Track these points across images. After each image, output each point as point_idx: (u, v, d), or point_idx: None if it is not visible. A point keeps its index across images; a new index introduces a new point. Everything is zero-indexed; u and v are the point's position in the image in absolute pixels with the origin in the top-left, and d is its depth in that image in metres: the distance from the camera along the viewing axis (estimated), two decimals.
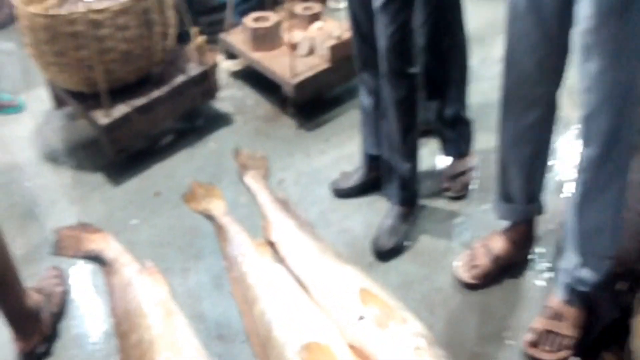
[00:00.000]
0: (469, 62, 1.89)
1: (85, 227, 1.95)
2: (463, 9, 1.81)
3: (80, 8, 2.00)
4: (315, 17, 2.65)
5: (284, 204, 1.96)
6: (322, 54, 2.44)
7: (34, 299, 1.56)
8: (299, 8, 2.68)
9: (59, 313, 1.64)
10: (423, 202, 1.88)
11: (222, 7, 2.76)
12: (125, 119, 2.16)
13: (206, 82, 2.41)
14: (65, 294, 1.69)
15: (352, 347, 1.34)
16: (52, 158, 2.36)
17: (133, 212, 2.04)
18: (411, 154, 1.75)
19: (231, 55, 2.79)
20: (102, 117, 2.12)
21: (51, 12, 2.06)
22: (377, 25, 1.56)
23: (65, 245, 1.88)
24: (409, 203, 1.80)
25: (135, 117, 2.18)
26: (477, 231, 1.75)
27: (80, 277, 1.79)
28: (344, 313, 1.43)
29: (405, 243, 1.75)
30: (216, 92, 2.48)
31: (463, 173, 1.92)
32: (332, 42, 2.40)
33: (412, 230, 1.78)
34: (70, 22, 2.00)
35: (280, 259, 1.71)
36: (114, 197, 2.13)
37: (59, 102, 2.53)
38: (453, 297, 1.57)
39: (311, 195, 2.04)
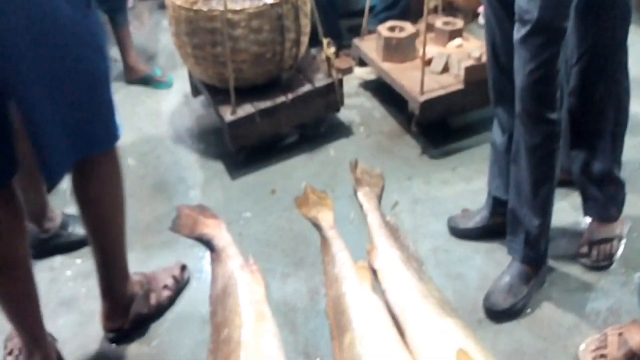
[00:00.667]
0: (630, 111, 1.62)
1: (203, 210, 1.99)
2: (627, 48, 1.55)
3: (221, 7, 2.08)
4: (456, 34, 2.51)
5: (394, 231, 1.85)
6: (456, 73, 2.30)
7: (133, 289, 1.57)
8: (439, 22, 2.56)
9: (150, 315, 1.61)
10: (552, 264, 1.67)
11: (363, 12, 2.70)
12: (248, 119, 2.21)
13: (331, 95, 2.37)
14: (169, 302, 1.66)
15: None
16: (185, 138, 2.49)
17: (248, 205, 2.07)
18: (543, 210, 1.54)
19: (362, 62, 2.72)
20: (228, 114, 2.19)
21: (194, 7, 2.16)
22: (516, 59, 1.38)
23: (183, 224, 1.93)
24: (535, 263, 1.60)
25: (258, 118, 2.22)
26: (614, 313, 1.51)
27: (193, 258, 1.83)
28: None
29: (524, 308, 1.55)
30: (340, 106, 2.43)
31: (607, 241, 1.67)
32: (470, 62, 2.25)
33: (534, 295, 1.58)
34: (209, 18, 2.10)
35: (380, 289, 1.61)
36: (232, 187, 2.19)
37: (195, 90, 2.64)
38: None
39: (425, 227, 1.91)
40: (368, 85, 2.73)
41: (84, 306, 1.68)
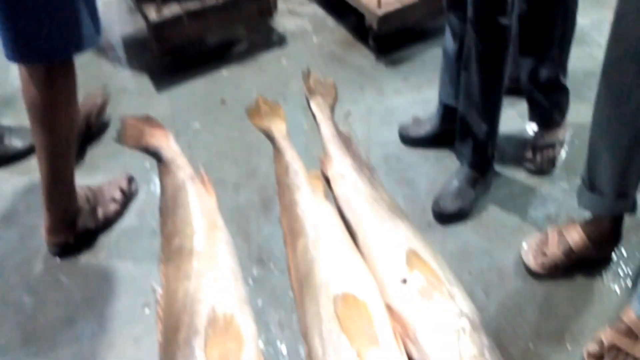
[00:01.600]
0: (578, 21, 1.63)
1: (149, 120, 1.93)
2: None
3: None
4: None
5: (347, 140, 1.85)
6: None
7: (78, 203, 1.51)
8: None
9: (97, 230, 1.57)
10: (498, 169, 1.71)
11: None
12: (175, 20, 2.08)
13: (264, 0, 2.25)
14: (116, 216, 1.61)
15: (390, 309, 1.26)
16: (121, 46, 2.34)
17: (196, 115, 2.01)
18: (491, 115, 1.57)
19: None
20: (153, 13, 2.06)
21: None
22: None
23: (128, 135, 1.87)
24: (482, 168, 1.64)
25: (185, 20, 2.09)
26: (555, 215, 1.58)
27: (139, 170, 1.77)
28: (387, 272, 1.33)
29: (471, 211, 1.60)
30: (273, 11, 2.32)
31: (550, 146, 1.72)
32: None
33: (480, 198, 1.63)
34: None
35: (332, 197, 1.62)
36: (180, 96, 2.11)
37: None
38: (513, 281, 1.42)
39: (377, 136, 1.91)
40: None
41: (25, 220, 1.62)
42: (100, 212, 1.57)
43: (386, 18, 2.16)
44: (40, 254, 1.52)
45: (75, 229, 1.51)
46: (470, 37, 1.45)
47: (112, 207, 1.60)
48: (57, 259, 1.51)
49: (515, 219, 1.58)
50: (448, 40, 1.65)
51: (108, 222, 1.59)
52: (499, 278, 1.43)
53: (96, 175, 1.73)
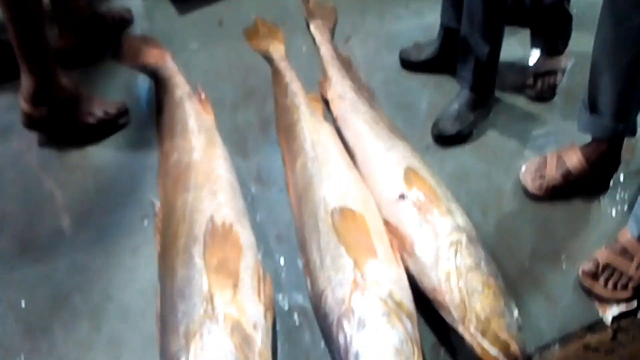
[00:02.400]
0: None
1: (147, 40, 1.90)
2: None
3: None
4: None
5: (346, 63, 1.82)
6: None
7: (62, 86, 1.51)
8: None
9: (70, 123, 1.56)
10: (499, 95, 1.69)
11: None
12: None
13: None
14: (86, 130, 1.58)
15: (387, 223, 1.28)
16: None
17: (194, 35, 1.97)
18: (493, 35, 1.53)
19: None
20: None
21: None
22: None
23: (126, 53, 1.85)
24: (482, 91, 1.62)
25: None
26: (553, 140, 1.57)
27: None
28: (386, 188, 1.34)
29: (470, 134, 1.59)
30: None
31: (551, 73, 1.70)
32: None
33: (480, 122, 1.62)
34: None
35: (331, 119, 1.61)
36: (176, 18, 2.06)
37: None
38: (511, 202, 1.43)
39: (377, 61, 1.87)
40: None
41: (21, 133, 1.59)
42: (80, 113, 1.57)
43: None
44: (37, 166, 1.51)
45: (52, 106, 1.51)
46: None
47: (88, 119, 1.59)
48: (53, 173, 1.50)
49: (514, 144, 1.58)
50: None
51: (79, 129, 1.58)
52: (496, 199, 1.44)
53: (92, 90, 1.70)
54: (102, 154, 1.57)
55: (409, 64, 1.83)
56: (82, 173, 1.51)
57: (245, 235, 1.22)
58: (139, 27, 1.99)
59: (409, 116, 1.67)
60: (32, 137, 1.51)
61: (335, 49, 1.86)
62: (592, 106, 1.34)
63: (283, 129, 1.59)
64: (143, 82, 1.78)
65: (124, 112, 1.66)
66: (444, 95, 1.69)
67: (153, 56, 1.82)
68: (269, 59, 1.84)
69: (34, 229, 1.38)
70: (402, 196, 1.30)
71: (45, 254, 1.33)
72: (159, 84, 1.72)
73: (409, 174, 1.34)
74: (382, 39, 1.96)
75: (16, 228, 1.38)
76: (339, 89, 1.68)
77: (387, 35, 1.98)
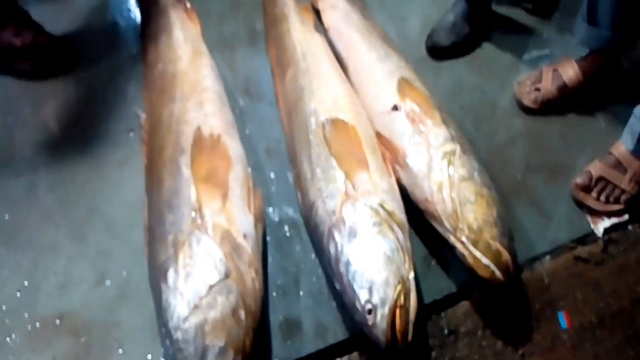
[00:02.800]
0: None
1: None
2: None
3: None
4: None
5: None
6: None
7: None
8: None
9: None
10: (496, 7, 1.62)
11: None
12: None
13: None
14: None
15: (379, 135, 1.24)
16: None
17: None
18: None
19: None
20: None
21: None
22: None
23: None
24: (479, 2, 1.55)
25: None
26: (550, 54, 1.52)
27: None
28: (378, 99, 1.29)
29: (465, 47, 1.54)
30: None
31: None
32: None
33: (475, 35, 1.55)
34: None
35: (323, 30, 1.54)
36: None
37: None
38: (505, 116, 1.40)
39: None
40: None
41: None
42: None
43: None
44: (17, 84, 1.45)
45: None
46: None
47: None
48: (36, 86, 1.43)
49: (510, 57, 1.53)
50: None
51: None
52: (490, 112, 1.41)
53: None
54: (84, 67, 1.49)
55: None
56: (64, 87, 1.44)
57: (234, 146, 1.19)
58: None
59: (402, 28, 1.60)
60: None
61: None
62: (591, 17, 1.29)
63: (272, 39, 1.52)
64: None
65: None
66: (439, 8, 1.62)
67: None
68: None
69: (15, 140, 1.34)
70: (395, 107, 1.26)
71: (27, 167, 1.29)
72: None
73: (403, 85, 1.29)
74: None
75: None
76: None
77: None
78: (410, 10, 1.66)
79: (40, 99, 1.42)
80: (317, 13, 1.60)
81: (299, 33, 1.47)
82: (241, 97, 1.42)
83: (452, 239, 1.08)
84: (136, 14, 1.60)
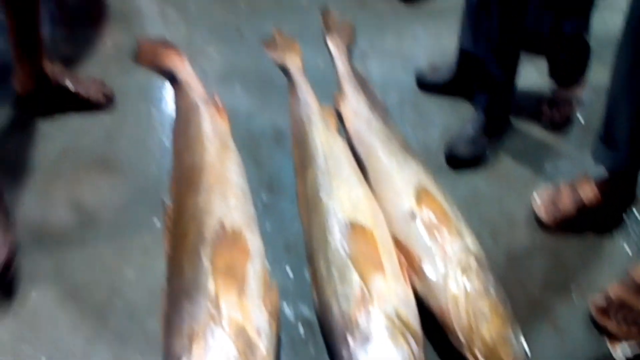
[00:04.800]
0: None
1: (165, 43, 1.93)
2: None
3: None
4: None
5: (362, 80, 1.83)
6: None
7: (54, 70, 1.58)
8: None
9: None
10: (514, 122, 1.70)
11: None
12: None
13: None
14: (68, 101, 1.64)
15: (396, 240, 1.26)
16: None
17: (212, 42, 2.00)
18: (510, 60, 1.55)
19: None
20: None
21: None
22: None
23: (144, 55, 1.88)
24: (497, 116, 1.63)
25: None
26: (567, 171, 1.56)
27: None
28: (396, 205, 1.33)
29: (483, 158, 1.59)
30: None
31: (567, 103, 1.70)
32: None
33: (494, 148, 1.62)
34: None
35: (345, 133, 1.61)
36: (196, 22, 2.09)
37: None
38: (523, 230, 1.41)
39: (393, 79, 1.88)
40: None
41: None
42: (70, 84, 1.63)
43: None
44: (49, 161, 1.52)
45: (45, 82, 1.57)
46: None
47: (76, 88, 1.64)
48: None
49: (528, 172, 1.57)
50: None
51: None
52: (508, 226, 1.42)
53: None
54: (116, 152, 1.56)
55: (424, 85, 1.83)
56: (96, 169, 1.51)
57: (254, 241, 1.21)
58: (155, 29, 2.00)
59: (422, 137, 1.67)
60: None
61: (352, 65, 1.87)
62: (608, 139, 1.34)
63: (296, 139, 1.59)
64: (157, 82, 1.79)
65: (108, 98, 1.70)
66: (459, 119, 1.70)
67: (170, 59, 1.83)
68: (285, 70, 1.85)
69: (46, 219, 1.37)
70: (412, 214, 1.29)
71: (56, 246, 1.32)
72: (176, 87, 1.73)
73: (421, 193, 1.33)
74: (399, 58, 1.97)
75: (30, 220, 1.37)
76: (354, 104, 1.69)
77: (404, 54, 1.99)
78: (431, 121, 1.74)
79: (70, 181, 1.47)
80: (340, 117, 1.68)
81: (322, 135, 1.54)
82: (264, 193, 1.47)
83: (466, 353, 1.07)
84: (171, 106, 1.70)
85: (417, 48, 2.02)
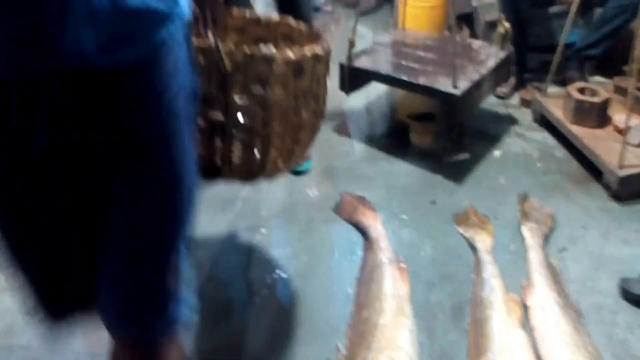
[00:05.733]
0: None
1: (364, 201, 2.10)
2: None
3: None
4: None
5: (555, 274, 1.72)
6: None
7: None
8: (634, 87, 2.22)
9: None
10: None
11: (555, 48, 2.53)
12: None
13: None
14: None
15: None
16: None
17: (406, 208, 2.10)
18: None
19: (542, 118, 2.60)
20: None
21: None
22: None
23: (344, 209, 2.06)
24: None
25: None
26: None
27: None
28: None
29: None
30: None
31: None
32: None
33: None
34: None
35: (528, 328, 1.51)
36: (395, 187, 2.23)
37: None
38: None
39: (592, 281, 1.74)
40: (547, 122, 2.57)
41: None
42: None
43: (628, 180, 2.06)
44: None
45: None
46: None
47: None
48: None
49: None
50: None
51: None
52: None
53: (311, 235, 1.93)
54: (300, 294, 1.68)
55: (631, 297, 1.65)
56: (271, 300, 1.64)
57: None
58: (358, 189, 2.18)
59: (621, 354, 1.48)
60: None
61: (546, 257, 1.79)
62: None
63: (475, 321, 1.54)
64: (352, 236, 1.94)
65: None
66: None
67: (366, 216, 1.99)
68: (474, 247, 1.84)
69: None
70: None
71: None
72: (366, 242, 1.84)
73: None
74: (602, 260, 1.83)
75: None
76: (542, 298, 1.59)
77: (607, 256, 1.84)
78: (633, 336, 1.53)
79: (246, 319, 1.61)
80: (525, 309, 1.58)
81: (502, 324, 1.47)
82: None
83: None
84: (357, 258, 1.81)
85: (624, 252, 1.86)
